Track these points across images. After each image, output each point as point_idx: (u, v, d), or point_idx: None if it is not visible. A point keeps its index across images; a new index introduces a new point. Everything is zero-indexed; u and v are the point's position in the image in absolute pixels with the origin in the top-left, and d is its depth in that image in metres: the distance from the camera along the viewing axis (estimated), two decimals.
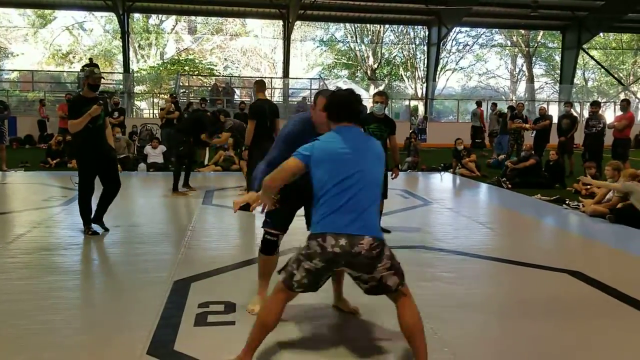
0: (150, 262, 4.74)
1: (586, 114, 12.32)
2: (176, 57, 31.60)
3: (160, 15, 30.43)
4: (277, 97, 23.16)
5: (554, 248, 5.89)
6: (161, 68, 29.28)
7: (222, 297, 3.83)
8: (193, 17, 30.27)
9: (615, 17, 22.61)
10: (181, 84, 22.40)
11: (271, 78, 25.87)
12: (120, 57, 31.39)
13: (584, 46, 25.53)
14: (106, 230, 5.76)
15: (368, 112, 6.03)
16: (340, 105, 2.84)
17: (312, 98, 3.40)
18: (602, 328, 3.43)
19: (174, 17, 30.41)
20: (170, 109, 12.84)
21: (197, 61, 30.78)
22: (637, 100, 28.82)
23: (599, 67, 31.45)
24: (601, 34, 29.18)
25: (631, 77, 34.01)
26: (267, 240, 3.56)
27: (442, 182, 11.07)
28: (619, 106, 10.87)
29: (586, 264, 4.80)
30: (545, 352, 3.08)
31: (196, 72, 28.48)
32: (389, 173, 6.00)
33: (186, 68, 28.36)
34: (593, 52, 29.70)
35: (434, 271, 4.63)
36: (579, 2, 22.42)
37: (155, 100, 22.94)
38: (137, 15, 28.58)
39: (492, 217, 7.60)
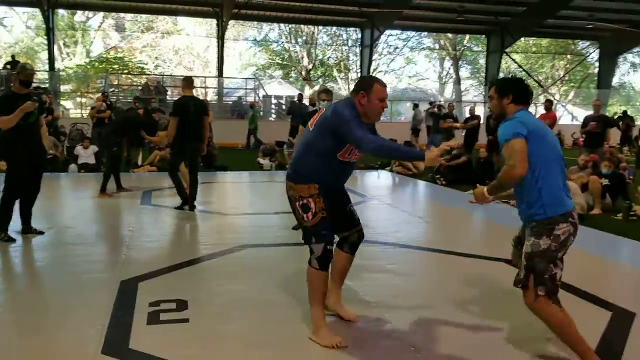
0: (93, 263, 4.61)
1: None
2: (104, 56, 30.50)
3: (86, 12, 29.27)
4: (211, 97, 22.87)
5: (490, 239, 6.19)
6: (88, 66, 28.17)
7: (173, 296, 3.79)
8: (122, 15, 29.25)
9: (535, 22, 23.88)
10: (110, 83, 21.64)
11: (204, 77, 25.47)
12: (42, 55, 29.99)
13: (507, 50, 26.78)
14: (40, 233, 5.52)
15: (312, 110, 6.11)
16: (526, 89, 2.93)
17: (354, 88, 3.13)
18: None
19: (101, 14, 29.30)
20: (101, 108, 12.42)
21: (126, 59, 29.84)
22: (556, 101, 30.50)
23: (521, 70, 33.07)
24: (522, 39, 30.71)
25: (550, 80, 35.99)
26: (328, 251, 3.15)
27: (380, 179, 11.33)
28: (543, 106, 11.48)
29: None
30: (491, 336, 3.25)
31: (126, 71, 27.61)
32: None
33: (115, 66, 27.45)
34: (515, 56, 31.19)
35: (380, 263, 4.77)
36: (502, 8, 23.51)
37: (83, 99, 22.06)
38: (61, 12, 27.34)
39: (430, 212, 7.89)
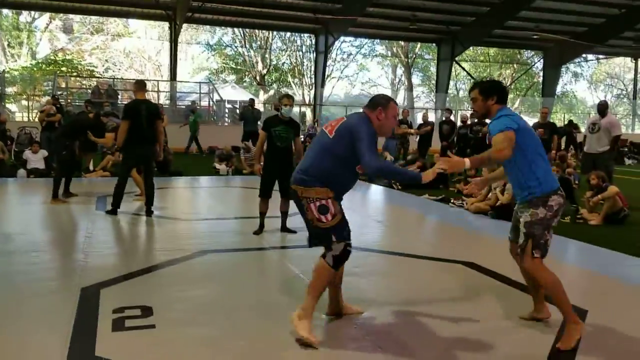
0: (50, 271, 4.50)
1: (459, 122, 13.32)
2: (52, 57, 29.55)
3: (32, 12, 28.30)
4: (163, 100, 22.49)
5: (446, 242, 6.37)
6: (35, 68, 27.22)
7: (137, 302, 3.74)
8: (70, 15, 28.43)
9: (484, 32, 24.65)
10: (59, 86, 20.98)
11: (157, 81, 25.05)
12: None
13: (457, 58, 27.51)
14: None
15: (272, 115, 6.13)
16: (506, 90, 3.46)
17: (372, 104, 3.35)
18: (503, 310, 3.82)
19: (48, 14, 28.38)
20: (50, 111, 12.05)
21: (75, 62, 29.02)
22: None
23: (469, 78, 34.05)
24: (472, 48, 31.63)
25: None
26: (347, 252, 3.26)
27: None
28: None
29: (477, 255, 5.25)
30: (452, 334, 3.37)
31: (75, 73, 26.84)
32: None
33: (63, 69, 26.65)
34: (464, 64, 32.10)
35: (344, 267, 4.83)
36: (452, 17, 24.15)
37: (30, 102, 21.31)
38: (6, 11, 26.34)
39: (387, 216, 8.04)
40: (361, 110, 3.43)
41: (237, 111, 22.27)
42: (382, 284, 4.48)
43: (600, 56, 33.49)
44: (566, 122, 20.95)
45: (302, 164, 3.39)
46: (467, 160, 3.19)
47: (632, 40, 26.79)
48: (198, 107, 21.57)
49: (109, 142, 8.85)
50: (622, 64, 38.54)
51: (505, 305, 3.90)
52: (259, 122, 14.72)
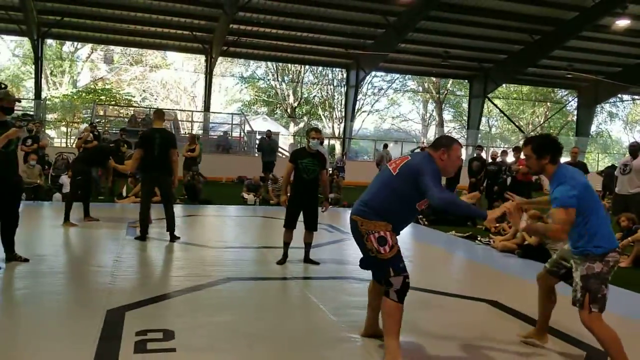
0: (78, 292, 4.62)
1: (490, 158, 13.26)
2: (92, 86, 30.65)
3: (75, 43, 29.52)
4: (196, 130, 23.00)
5: (471, 280, 6.30)
6: (75, 96, 28.25)
7: (160, 325, 3.81)
8: (111, 47, 29.55)
9: (516, 70, 24.65)
10: (97, 113, 21.70)
11: (191, 111, 25.67)
12: (27, 83, 30.02)
13: (489, 95, 27.49)
14: (25, 260, 5.49)
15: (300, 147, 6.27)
16: (560, 148, 3.43)
17: (435, 145, 3.50)
18: (523, 350, 3.76)
19: (90, 45, 29.57)
20: (88, 138, 12.43)
21: (114, 91, 30.03)
22: None
23: (502, 115, 33.90)
24: (504, 85, 31.59)
25: (530, 126, 36.88)
26: (407, 284, 3.38)
27: None
28: (523, 152, 11.74)
29: (501, 294, 5.18)
30: None
31: (113, 102, 27.73)
32: (320, 207, 6.23)
33: (102, 97, 27.58)
34: (497, 101, 32.03)
35: (366, 300, 4.82)
36: (485, 54, 24.26)
37: (68, 128, 22.05)
38: (50, 41, 27.55)
39: (413, 251, 7.97)
40: (423, 150, 3.58)
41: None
42: (406, 318, 4.44)
43: (636, 97, 33.02)
44: (608, 165, 20.67)
45: (364, 196, 3.52)
46: (524, 222, 3.28)
47: None
48: (230, 137, 21.96)
49: (127, 169, 9.13)
50: None
51: (529, 348, 3.84)
52: (277, 153, 14.83)
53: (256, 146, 17.14)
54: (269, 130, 16.73)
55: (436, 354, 3.62)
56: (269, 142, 15.11)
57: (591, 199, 3.29)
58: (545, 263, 3.70)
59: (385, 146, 19.14)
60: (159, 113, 7.56)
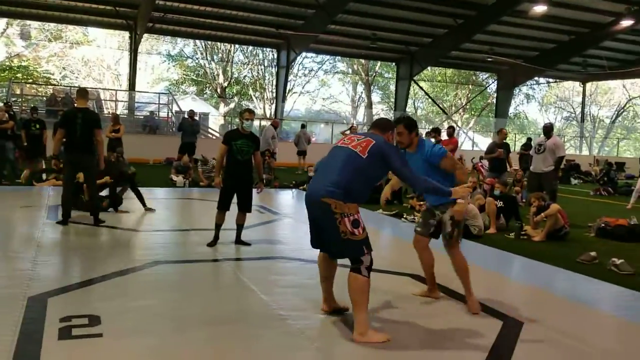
0: None
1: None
2: (7, 63, 28.78)
3: None
4: (121, 110, 22.21)
5: (397, 256, 6.54)
6: None
7: (85, 311, 3.73)
8: (28, 22, 27.79)
9: (441, 53, 25.39)
10: (13, 92, 20.45)
11: (115, 90, 24.72)
12: None
13: (415, 78, 28.18)
14: None
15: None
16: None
17: (383, 127, 3.86)
18: (442, 320, 3.99)
19: (5, 19, 27.67)
20: (3, 118, 11.75)
21: (31, 68, 28.35)
22: (458, 128, 32.36)
23: (427, 97, 34.86)
24: (429, 68, 32.43)
25: (453, 107, 38.15)
26: (372, 259, 3.69)
27: (294, 198, 11.55)
28: (445, 132, 12.20)
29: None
30: (397, 343, 3.50)
31: (30, 80, 26.21)
32: (254, 188, 6.25)
33: (19, 75, 25.98)
34: (422, 84, 32.85)
35: (297, 279, 4.94)
36: (411, 38, 24.79)
37: None
38: None
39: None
40: (354, 130, 3.86)
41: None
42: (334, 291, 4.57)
43: (551, 80, 34.85)
44: (524, 142, 21.76)
45: (331, 178, 3.53)
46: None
47: (580, 65, 28.05)
48: (157, 117, 21.41)
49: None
50: (572, 88, 40.16)
51: (442, 310, 4.08)
52: (198, 135, 14.59)
53: (176, 126, 16.41)
54: (191, 110, 16.32)
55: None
56: (191, 123, 14.58)
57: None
58: (415, 230, 4.52)
59: (303, 126, 19.49)
60: (82, 92, 7.30)
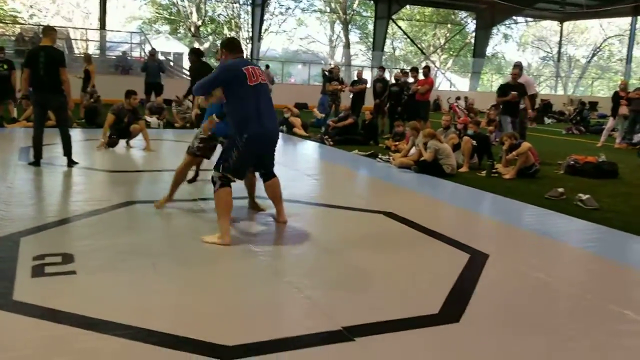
0: None
1: (393, 80, 13.49)
2: None
3: None
4: (92, 50, 21.52)
5: (370, 194, 6.64)
6: None
7: (58, 250, 3.75)
8: None
9: None
10: None
11: (85, 29, 23.85)
12: None
13: (393, 17, 27.69)
14: None
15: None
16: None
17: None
18: (412, 254, 4.11)
19: None
20: None
21: None
22: (436, 69, 32.22)
23: (405, 37, 34.40)
24: (408, 7, 31.85)
25: (431, 47, 37.77)
26: None
27: None
28: (421, 72, 12.12)
29: (397, 206, 5.52)
30: (370, 275, 3.61)
31: None
32: None
33: None
34: (400, 23, 32.32)
35: (271, 218, 4.99)
36: None
37: None
38: None
39: (318, 170, 8.22)
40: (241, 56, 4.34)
41: (171, 63, 21.61)
42: (303, 231, 4.64)
43: (529, 19, 34.58)
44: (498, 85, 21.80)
45: (272, 114, 4.26)
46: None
47: (558, 4, 27.80)
48: (129, 57, 20.84)
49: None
50: (549, 27, 39.94)
51: (417, 251, 4.19)
52: (162, 74, 14.29)
53: (140, 67, 15.87)
54: (153, 49, 15.71)
55: (330, 258, 3.87)
56: (154, 62, 14.19)
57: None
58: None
59: (267, 67, 19.84)
60: (47, 29, 7.07)
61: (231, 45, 4.33)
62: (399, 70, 14.46)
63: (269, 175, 4.64)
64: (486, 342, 2.76)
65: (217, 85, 4.17)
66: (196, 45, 30.84)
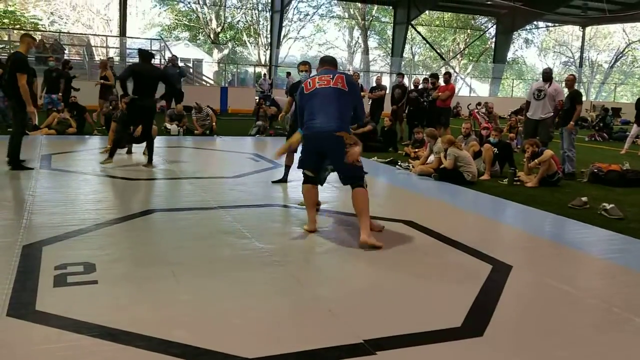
0: None
1: (411, 86, 13.40)
2: None
3: None
4: (111, 56, 21.77)
5: (391, 202, 6.59)
6: None
7: (80, 259, 3.76)
8: None
9: None
10: (0, 39, 19.99)
11: (106, 36, 24.17)
12: None
13: (412, 22, 27.61)
14: None
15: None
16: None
17: (335, 64, 4.84)
18: (433, 265, 4.05)
19: None
20: None
21: (18, 14, 27.59)
22: (456, 74, 32.04)
23: (425, 42, 34.27)
24: (427, 12, 31.74)
25: (451, 53, 37.57)
26: None
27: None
28: (442, 78, 12.04)
29: (417, 214, 5.48)
30: (390, 286, 3.57)
31: (18, 26, 25.56)
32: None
33: (5, 21, 25.33)
34: (420, 28, 32.25)
35: (290, 225, 4.99)
36: None
37: None
38: None
39: (337, 177, 8.17)
40: (325, 68, 4.60)
41: (190, 70, 21.78)
42: (327, 239, 4.62)
43: (550, 24, 34.22)
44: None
45: (334, 113, 4.30)
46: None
47: (580, 9, 27.47)
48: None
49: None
50: (571, 32, 39.48)
51: (436, 261, 4.14)
52: (182, 80, 14.36)
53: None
54: (174, 56, 15.91)
55: (350, 268, 3.84)
56: (175, 69, 14.22)
57: None
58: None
59: (288, 74, 19.72)
60: (22, 36, 7.23)
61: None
62: (417, 77, 14.38)
63: (350, 183, 4.57)
64: (511, 357, 2.70)
65: None
66: (215, 51, 31.12)
